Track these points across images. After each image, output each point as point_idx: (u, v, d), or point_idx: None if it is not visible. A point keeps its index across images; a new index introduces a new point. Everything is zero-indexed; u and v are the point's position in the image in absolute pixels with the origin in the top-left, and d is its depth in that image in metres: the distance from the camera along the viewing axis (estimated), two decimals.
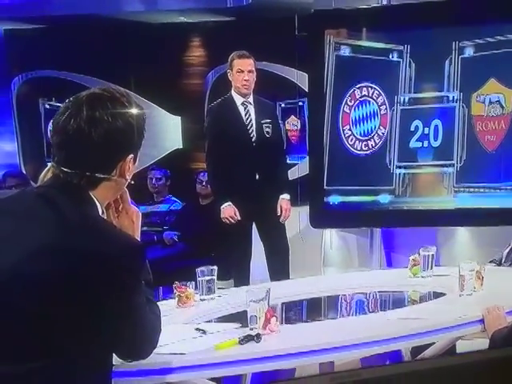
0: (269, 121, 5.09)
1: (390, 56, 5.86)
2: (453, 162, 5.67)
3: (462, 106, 5.66)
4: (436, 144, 5.73)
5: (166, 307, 3.04)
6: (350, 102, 5.95)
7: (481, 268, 3.22)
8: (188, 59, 7.44)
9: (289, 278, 4.70)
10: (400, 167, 5.83)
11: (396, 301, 3.59)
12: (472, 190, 5.64)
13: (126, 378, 2.29)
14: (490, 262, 4.00)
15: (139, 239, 2.10)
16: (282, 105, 6.89)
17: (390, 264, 6.18)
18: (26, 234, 1.89)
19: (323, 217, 6.03)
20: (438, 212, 5.73)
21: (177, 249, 6.11)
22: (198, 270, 3.27)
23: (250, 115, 5.05)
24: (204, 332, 2.66)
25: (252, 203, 4.93)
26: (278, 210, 5.01)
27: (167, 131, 7.40)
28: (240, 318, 2.84)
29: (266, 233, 5.08)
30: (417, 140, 5.78)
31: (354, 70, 5.99)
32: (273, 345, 2.54)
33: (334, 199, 5.96)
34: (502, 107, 5.58)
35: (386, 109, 5.87)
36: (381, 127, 5.89)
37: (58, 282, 1.83)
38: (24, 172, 6.97)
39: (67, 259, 1.84)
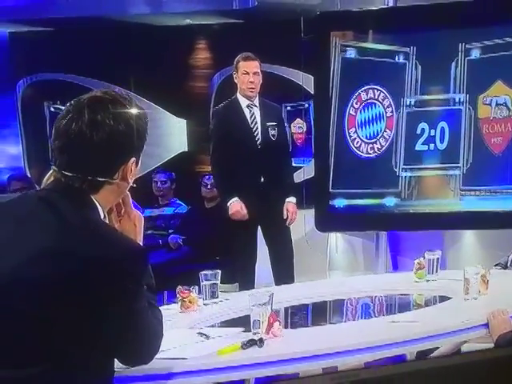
0: (274, 123, 5.08)
1: (396, 58, 5.84)
2: (459, 164, 5.65)
3: (469, 109, 5.64)
4: (442, 146, 5.71)
5: (169, 312, 3.03)
6: (356, 104, 5.93)
7: (486, 272, 3.21)
8: (193, 61, 7.43)
9: (293, 282, 4.68)
10: (406, 170, 5.81)
11: (401, 305, 3.58)
12: (478, 192, 5.62)
13: (127, 383, 2.28)
14: (496, 265, 3.98)
15: (141, 243, 2.08)
16: (288, 107, 6.87)
17: (396, 267, 6.16)
18: (27, 238, 1.88)
19: (329, 220, 6.01)
20: (444, 215, 5.71)
21: (182, 252, 6.10)
22: (202, 274, 3.26)
23: (255, 118, 5.04)
24: (206, 337, 2.65)
25: (257, 206, 4.92)
26: (285, 213, 5.00)
27: (173, 134, 7.39)
28: (243, 322, 2.82)
29: (271, 237, 5.07)
30: (423, 143, 5.76)
31: (360, 73, 5.97)
32: (276, 349, 2.53)
33: (340, 202, 5.93)
34: (509, 109, 5.56)
35: (391, 111, 5.85)
36: (387, 130, 5.87)
37: (59, 286, 1.82)
38: (29, 175, 6.97)
39: (68, 263, 1.83)
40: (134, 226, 2.10)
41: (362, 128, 5.92)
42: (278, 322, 2.62)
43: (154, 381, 2.32)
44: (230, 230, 4.99)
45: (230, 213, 4.91)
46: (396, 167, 5.82)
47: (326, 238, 6.37)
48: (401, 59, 5.83)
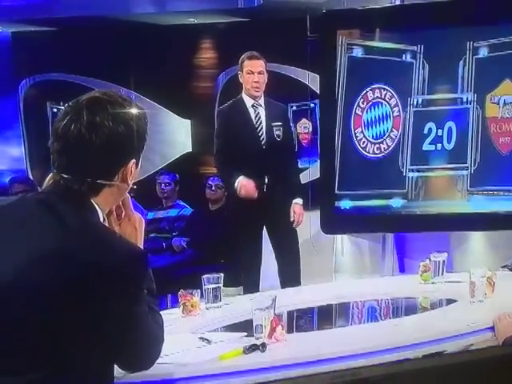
0: (280, 123, 5.04)
1: (403, 57, 5.81)
2: (466, 164, 5.61)
3: (476, 108, 5.60)
4: (449, 146, 5.67)
5: (171, 316, 2.99)
6: (363, 104, 5.89)
7: (492, 274, 3.18)
8: (198, 61, 7.42)
9: (300, 285, 4.65)
10: (413, 170, 5.77)
11: (407, 308, 3.55)
12: (486, 193, 5.58)
13: None
14: (503, 267, 3.96)
15: (142, 247, 2.06)
16: (294, 107, 6.84)
17: (402, 270, 6.13)
18: (25, 241, 1.86)
19: (335, 222, 5.98)
20: (452, 216, 5.67)
21: (186, 255, 6.07)
22: (204, 277, 3.22)
23: (260, 118, 5.01)
24: (208, 341, 2.62)
25: (262, 207, 4.88)
26: (292, 214, 4.96)
27: (177, 135, 7.37)
28: (246, 326, 2.79)
29: (277, 239, 5.03)
30: (430, 143, 5.72)
31: (367, 72, 5.94)
32: (278, 354, 2.50)
33: (346, 204, 5.89)
34: None
35: (398, 111, 5.81)
36: (393, 130, 5.83)
37: (58, 290, 1.80)
38: (31, 178, 6.95)
39: (67, 267, 1.81)
40: (135, 229, 2.08)
41: (368, 128, 5.88)
42: (280, 327, 2.59)
43: None
44: (234, 232, 4.95)
45: (238, 192, 4.84)
46: (403, 168, 5.78)
47: (332, 240, 6.34)
48: (408, 58, 5.80)
